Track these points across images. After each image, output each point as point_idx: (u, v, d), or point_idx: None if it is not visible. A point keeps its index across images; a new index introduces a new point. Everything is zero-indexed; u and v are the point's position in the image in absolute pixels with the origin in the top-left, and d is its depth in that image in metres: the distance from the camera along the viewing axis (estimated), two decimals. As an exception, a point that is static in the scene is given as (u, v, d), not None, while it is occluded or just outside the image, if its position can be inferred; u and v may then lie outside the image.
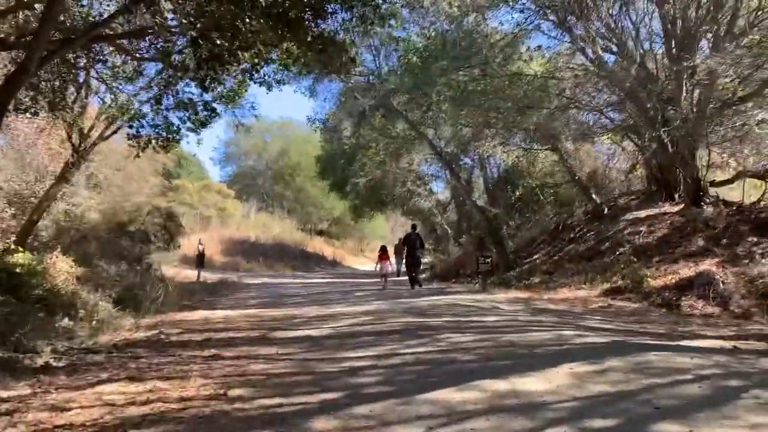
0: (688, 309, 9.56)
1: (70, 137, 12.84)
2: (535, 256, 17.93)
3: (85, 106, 12.43)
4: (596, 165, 21.17)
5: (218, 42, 6.21)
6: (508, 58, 15.32)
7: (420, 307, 10.43)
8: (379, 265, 16.84)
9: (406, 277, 16.41)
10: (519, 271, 15.91)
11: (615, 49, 15.29)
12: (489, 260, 15.15)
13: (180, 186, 39.90)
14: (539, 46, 15.72)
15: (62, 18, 8.41)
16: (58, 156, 14.41)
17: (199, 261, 21.10)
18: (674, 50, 14.12)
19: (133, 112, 11.16)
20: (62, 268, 9.54)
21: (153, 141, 10.85)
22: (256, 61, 7.30)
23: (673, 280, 10.91)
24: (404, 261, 18.05)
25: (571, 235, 17.78)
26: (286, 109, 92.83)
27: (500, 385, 4.40)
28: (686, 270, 11.22)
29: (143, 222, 19.26)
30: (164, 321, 9.35)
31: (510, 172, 23.29)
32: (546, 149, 19.31)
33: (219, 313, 10.66)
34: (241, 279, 20.42)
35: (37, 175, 14.17)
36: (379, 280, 16.90)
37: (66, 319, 7.66)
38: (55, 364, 5.76)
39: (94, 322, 7.92)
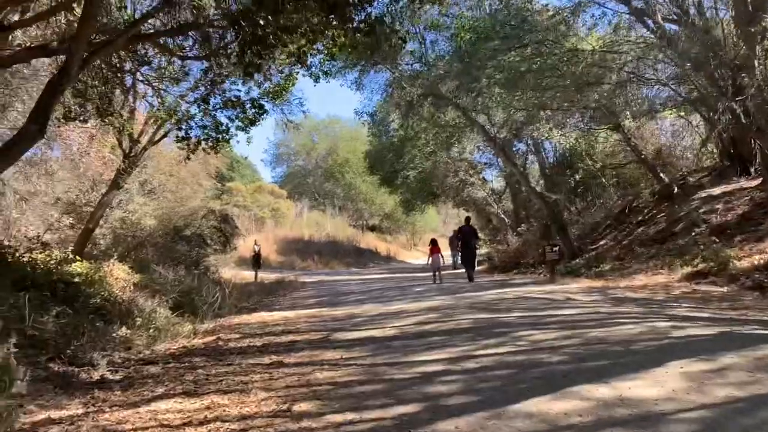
0: (785, 291, 8.65)
1: (120, 143, 12.80)
2: (602, 242, 17.03)
3: (133, 111, 12.33)
4: (661, 143, 19.99)
5: (261, 23, 5.79)
6: (563, 34, 14.45)
7: (486, 302, 9.84)
8: (430, 259, 16.27)
9: (462, 270, 15.81)
10: (586, 259, 15.06)
11: (676, 18, 14.28)
12: (556, 249, 14.38)
13: (233, 188, 40.49)
14: (603, 14, 14.79)
15: (105, 21, 8.22)
16: (110, 163, 14.46)
17: (256, 262, 21.17)
18: (743, 12, 13.04)
19: (180, 113, 10.94)
20: (119, 276, 9.43)
21: (202, 142, 10.63)
22: (303, 42, 6.85)
23: (762, 260, 10.02)
24: (460, 254, 17.49)
25: (640, 218, 16.80)
26: (332, 107, 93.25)
27: (603, 390, 3.80)
28: (776, 249, 10.31)
29: (199, 226, 19.26)
30: (222, 325, 9.08)
31: (568, 155, 22.21)
32: (606, 128, 18.28)
33: (277, 315, 10.35)
34: (297, 278, 20.27)
35: (92, 183, 14.25)
36: (430, 274, 16.33)
37: (123, 328, 7.44)
38: (111, 377, 5.48)
39: (151, 330, 7.67)
